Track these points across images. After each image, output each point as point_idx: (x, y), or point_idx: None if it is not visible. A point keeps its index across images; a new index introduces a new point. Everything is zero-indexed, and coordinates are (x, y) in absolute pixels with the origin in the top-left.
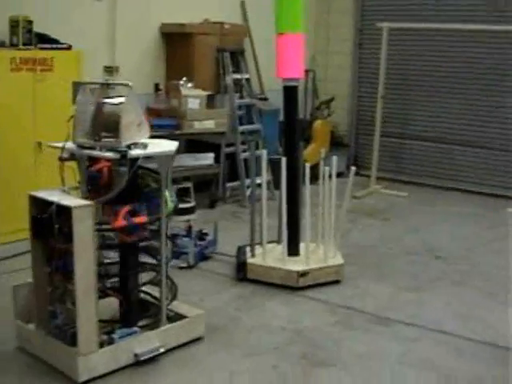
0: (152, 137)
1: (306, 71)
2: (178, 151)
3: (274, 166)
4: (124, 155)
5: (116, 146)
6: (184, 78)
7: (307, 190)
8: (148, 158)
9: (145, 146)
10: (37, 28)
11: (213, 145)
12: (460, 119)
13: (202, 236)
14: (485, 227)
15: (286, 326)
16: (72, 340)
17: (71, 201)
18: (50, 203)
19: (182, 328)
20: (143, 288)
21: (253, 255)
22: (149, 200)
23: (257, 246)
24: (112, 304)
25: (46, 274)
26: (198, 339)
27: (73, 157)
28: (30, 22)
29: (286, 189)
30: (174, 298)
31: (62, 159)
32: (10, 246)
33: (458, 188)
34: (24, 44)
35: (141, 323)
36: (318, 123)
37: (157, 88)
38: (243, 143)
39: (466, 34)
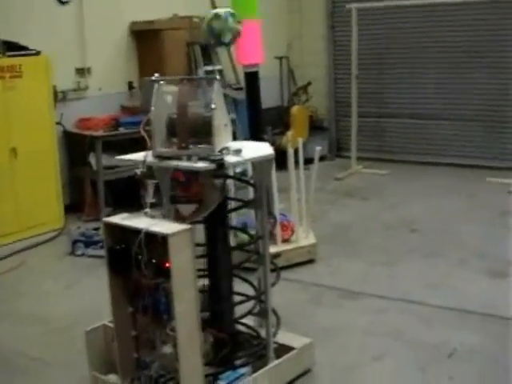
0: (122, 134)
1: (280, 58)
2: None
3: None
4: (221, 164)
5: (209, 153)
6: (156, 74)
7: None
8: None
9: (238, 150)
10: (4, 36)
11: None
12: (435, 94)
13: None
14: (463, 198)
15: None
16: None
17: (164, 226)
18: (133, 231)
19: (291, 363)
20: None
21: None
22: None
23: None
24: None
25: (128, 315)
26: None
27: (150, 171)
28: None
29: None
30: (278, 328)
31: (141, 176)
32: None
33: (438, 162)
34: None
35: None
36: (295, 109)
37: (130, 86)
38: None
39: (435, 8)
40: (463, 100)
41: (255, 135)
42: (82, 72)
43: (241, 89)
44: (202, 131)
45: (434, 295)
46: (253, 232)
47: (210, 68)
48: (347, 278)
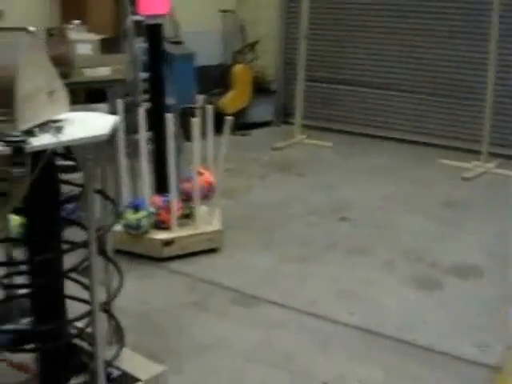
0: None
1: (225, 12)
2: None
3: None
4: (19, 148)
5: (7, 131)
6: (76, 21)
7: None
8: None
9: (59, 128)
10: None
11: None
12: (394, 62)
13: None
14: (409, 181)
15: (129, 308)
16: None
17: None
18: None
19: None
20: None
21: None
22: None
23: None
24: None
25: None
26: None
27: None
28: None
29: (153, 140)
30: (120, 350)
31: None
32: None
33: (390, 137)
34: None
35: None
36: (237, 68)
37: (50, 34)
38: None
39: None
40: (424, 71)
41: (156, 94)
42: None
43: (179, 43)
44: (2, 100)
45: (343, 308)
46: (144, 213)
47: (139, 18)
48: (249, 276)
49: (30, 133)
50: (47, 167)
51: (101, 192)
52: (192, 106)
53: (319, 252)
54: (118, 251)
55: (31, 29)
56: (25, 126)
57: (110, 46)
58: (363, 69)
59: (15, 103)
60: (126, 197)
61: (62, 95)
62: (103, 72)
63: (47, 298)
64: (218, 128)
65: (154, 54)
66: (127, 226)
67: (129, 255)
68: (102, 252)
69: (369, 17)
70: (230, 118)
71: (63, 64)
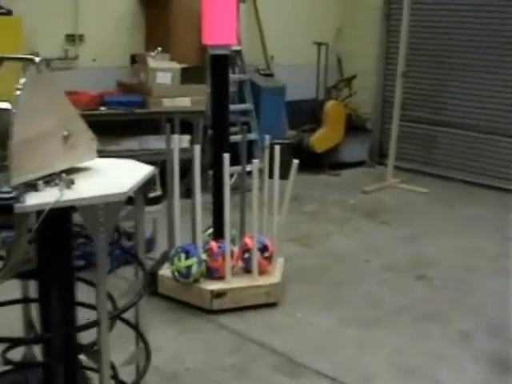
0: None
1: (319, 44)
2: (148, 132)
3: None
4: (6, 208)
5: None
6: (158, 49)
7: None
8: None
9: (69, 182)
10: None
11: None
12: (498, 103)
13: (130, 234)
14: (506, 237)
15: (162, 366)
16: None
17: None
18: None
19: None
20: None
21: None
22: None
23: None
24: None
25: None
26: None
27: None
28: None
29: (213, 180)
30: None
31: None
32: None
33: (493, 185)
34: None
35: None
36: (330, 104)
37: (133, 60)
38: (232, 125)
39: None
40: None
41: (218, 130)
42: (72, 39)
43: (270, 75)
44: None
45: None
46: (194, 260)
47: None
48: (303, 339)
49: (30, 186)
50: (56, 224)
51: (133, 255)
52: (279, 141)
53: (387, 316)
54: (165, 297)
55: (37, 59)
56: (23, 178)
57: (192, 75)
58: (464, 110)
59: (9, 150)
60: (179, 241)
61: (85, 139)
62: (183, 102)
63: (57, 375)
64: (307, 166)
65: (217, 87)
66: (176, 273)
67: (177, 303)
68: (132, 325)
69: (470, 54)
70: (296, 161)
71: (141, 92)
